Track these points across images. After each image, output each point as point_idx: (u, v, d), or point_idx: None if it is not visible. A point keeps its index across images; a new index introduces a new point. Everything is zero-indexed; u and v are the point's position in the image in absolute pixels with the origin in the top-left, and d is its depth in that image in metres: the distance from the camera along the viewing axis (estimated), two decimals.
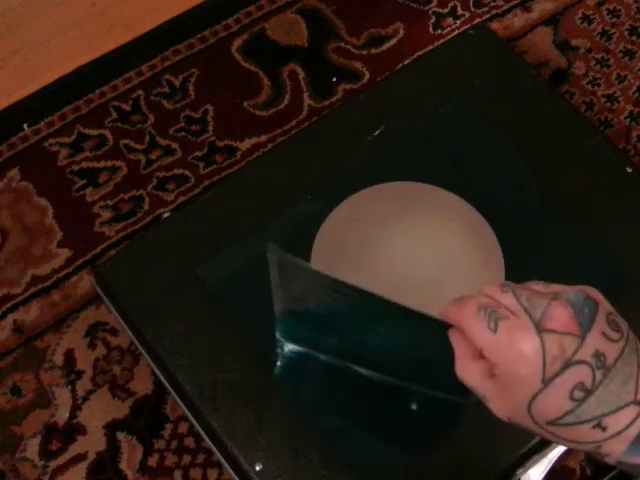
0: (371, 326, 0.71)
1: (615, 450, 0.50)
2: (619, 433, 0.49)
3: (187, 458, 0.85)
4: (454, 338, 0.55)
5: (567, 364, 0.48)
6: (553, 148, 0.89)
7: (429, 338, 0.61)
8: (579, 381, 0.48)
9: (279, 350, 0.77)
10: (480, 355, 0.52)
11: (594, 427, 0.49)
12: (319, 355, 0.77)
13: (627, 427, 0.49)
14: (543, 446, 0.75)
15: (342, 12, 1.10)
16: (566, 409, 0.49)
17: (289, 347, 0.77)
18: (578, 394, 0.49)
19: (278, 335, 0.77)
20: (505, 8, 1.11)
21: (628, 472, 0.52)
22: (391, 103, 0.91)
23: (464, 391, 0.55)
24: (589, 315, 0.50)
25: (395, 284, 0.77)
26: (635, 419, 0.49)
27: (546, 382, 0.49)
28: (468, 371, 0.53)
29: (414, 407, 0.75)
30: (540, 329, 0.49)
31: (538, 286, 0.52)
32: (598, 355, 0.49)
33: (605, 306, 0.51)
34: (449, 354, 0.55)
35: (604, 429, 0.49)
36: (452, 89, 0.92)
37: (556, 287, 0.52)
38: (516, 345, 0.49)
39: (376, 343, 0.72)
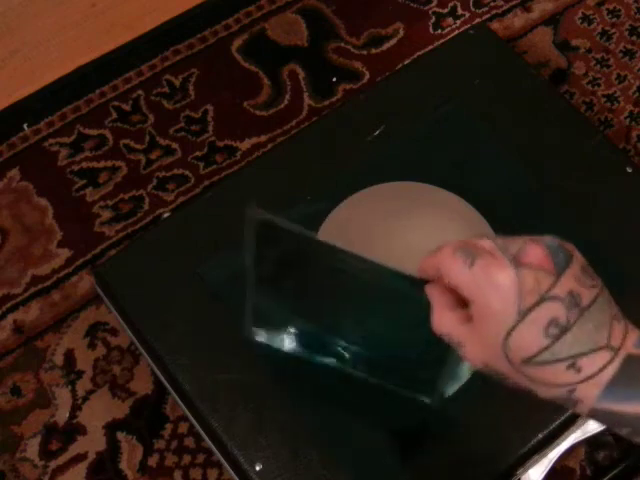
0: (348, 299, 0.70)
1: (589, 394, 0.50)
2: (593, 376, 0.49)
3: (187, 458, 0.85)
4: (431, 291, 0.55)
5: (542, 298, 0.49)
6: (553, 148, 0.89)
7: (407, 304, 0.60)
8: (553, 317, 0.49)
9: (251, 335, 0.76)
10: (457, 304, 0.53)
11: (569, 367, 0.49)
12: (291, 335, 0.75)
13: (601, 370, 0.49)
14: (543, 446, 0.75)
15: (342, 12, 1.10)
16: (542, 345, 0.49)
17: (262, 335, 0.76)
18: (553, 330, 0.49)
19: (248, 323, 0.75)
20: (505, 8, 1.11)
21: (604, 425, 0.52)
22: (391, 103, 0.91)
23: (430, 389, 0.54)
24: (564, 259, 0.50)
25: None
26: (609, 362, 0.49)
27: (521, 315, 0.49)
28: (444, 320, 0.53)
29: (414, 407, 0.75)
30: (516, 264, 0.49)
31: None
32: (573, 294, 0.49)
33: (580, 259, 0.51)
34: (423, 330, 0.54)
35: (578, 370, 0.49)
36: (452, 89, 0.92)
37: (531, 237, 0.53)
38: (492, 278, 0.49)
39: (352, 320, 0.71)
